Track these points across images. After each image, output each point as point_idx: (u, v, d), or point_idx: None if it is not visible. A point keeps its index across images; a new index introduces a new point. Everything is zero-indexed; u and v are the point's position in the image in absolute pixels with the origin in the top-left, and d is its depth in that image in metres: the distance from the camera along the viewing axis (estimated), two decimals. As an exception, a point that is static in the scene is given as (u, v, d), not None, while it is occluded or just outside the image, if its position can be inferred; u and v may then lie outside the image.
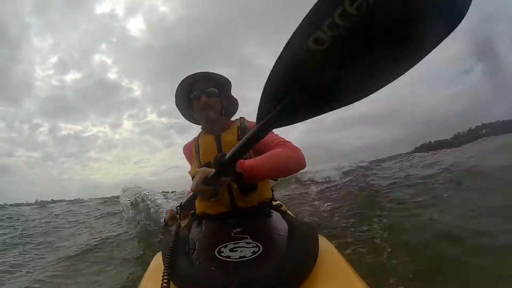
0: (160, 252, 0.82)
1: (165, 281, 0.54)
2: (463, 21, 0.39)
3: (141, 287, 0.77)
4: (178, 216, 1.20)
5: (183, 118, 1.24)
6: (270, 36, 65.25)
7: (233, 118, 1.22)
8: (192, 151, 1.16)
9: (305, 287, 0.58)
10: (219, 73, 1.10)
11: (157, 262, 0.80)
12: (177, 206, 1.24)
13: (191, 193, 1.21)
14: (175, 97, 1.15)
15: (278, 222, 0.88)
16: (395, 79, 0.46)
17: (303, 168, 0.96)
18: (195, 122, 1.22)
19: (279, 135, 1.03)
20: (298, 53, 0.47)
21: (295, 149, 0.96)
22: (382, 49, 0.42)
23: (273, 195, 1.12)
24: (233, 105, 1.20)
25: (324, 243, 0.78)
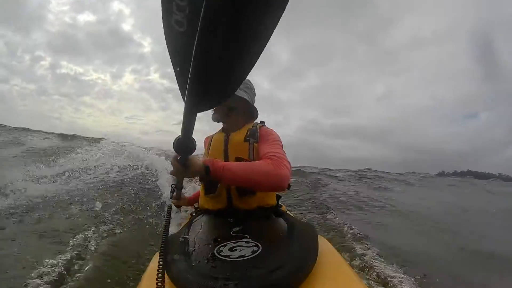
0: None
1: (159, 279, 0.54)
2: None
3: (140, 287, 0.76)
4: (172, 195, 1.22)
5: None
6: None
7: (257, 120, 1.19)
8: (207, 145, 1.18)
9: (305, 286, 0.58)
10: None
11: (157, 262, 0.80)
12: (172, 184, 1.25)
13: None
14: None
15: (278, 222, 0.88)
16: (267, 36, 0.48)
17: (281, 190, 0.89)
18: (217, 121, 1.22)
19: (281, 148, 0.98)
20: (173, 34, 0.49)
21: (280, 167, 0.86)
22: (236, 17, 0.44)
23: (278, 202, 1.07)
24: (250, 110, 1.16)
25: (324, 243, 0.78)
